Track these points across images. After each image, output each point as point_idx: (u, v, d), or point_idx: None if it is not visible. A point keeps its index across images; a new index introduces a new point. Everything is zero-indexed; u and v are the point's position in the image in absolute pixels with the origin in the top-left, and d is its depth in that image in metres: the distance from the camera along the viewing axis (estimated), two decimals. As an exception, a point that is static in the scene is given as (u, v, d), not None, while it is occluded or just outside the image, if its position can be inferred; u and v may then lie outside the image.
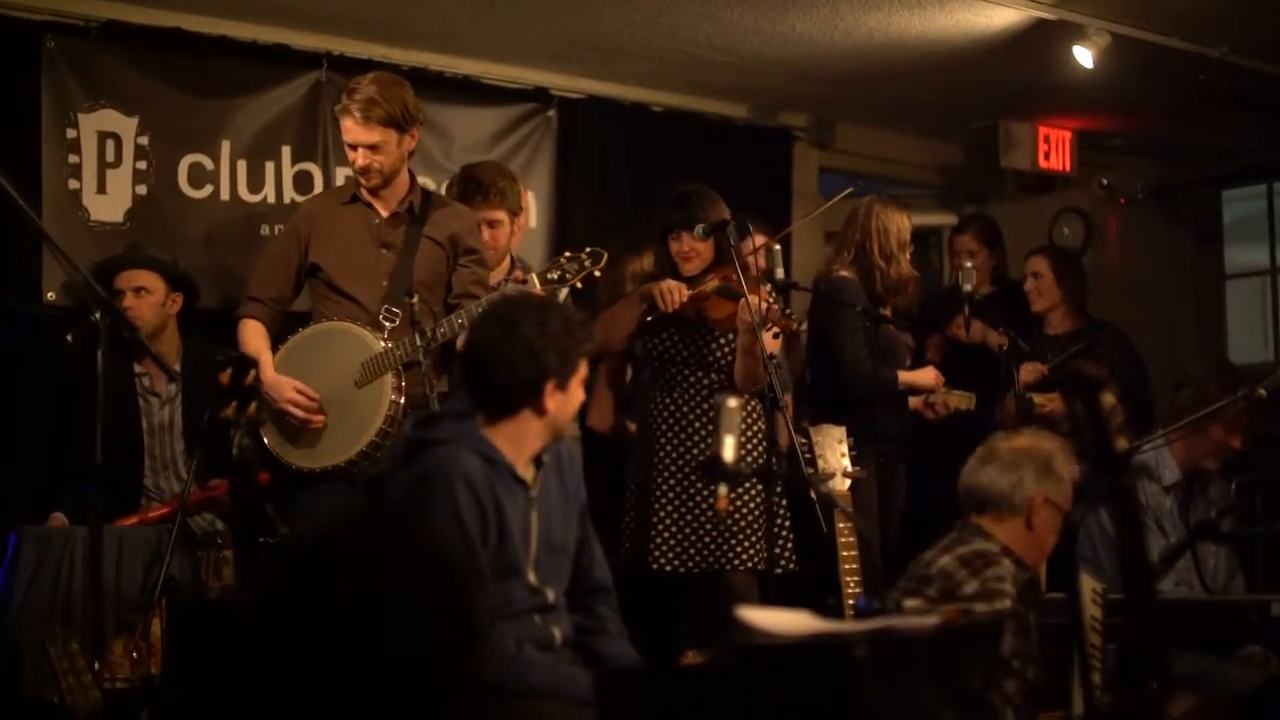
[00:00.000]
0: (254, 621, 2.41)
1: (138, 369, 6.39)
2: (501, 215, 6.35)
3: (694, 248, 6.19)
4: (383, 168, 5.80)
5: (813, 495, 5.77)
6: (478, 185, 6.37)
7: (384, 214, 5.88)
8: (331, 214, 5.95)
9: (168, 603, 5.60)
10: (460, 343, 5.61)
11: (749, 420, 6.06)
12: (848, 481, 5.55)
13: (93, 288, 5.03)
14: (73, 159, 6.99)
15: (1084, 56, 7.93)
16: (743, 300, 5.83)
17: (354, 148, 5.80)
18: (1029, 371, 7.31)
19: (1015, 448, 4.83)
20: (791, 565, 6.11)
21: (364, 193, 5.88)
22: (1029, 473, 4.73)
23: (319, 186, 7.48)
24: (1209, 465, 6.20)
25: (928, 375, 7.12)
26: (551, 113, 8.43)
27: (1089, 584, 4.61)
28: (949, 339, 7.85)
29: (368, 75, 5.94)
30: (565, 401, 4.48)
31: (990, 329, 7.55)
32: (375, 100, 5.72)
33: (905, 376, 6.98)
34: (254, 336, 5.81)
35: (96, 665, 4.70)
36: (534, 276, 5.60)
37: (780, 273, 6.53)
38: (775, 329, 5.90)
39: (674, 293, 6.11)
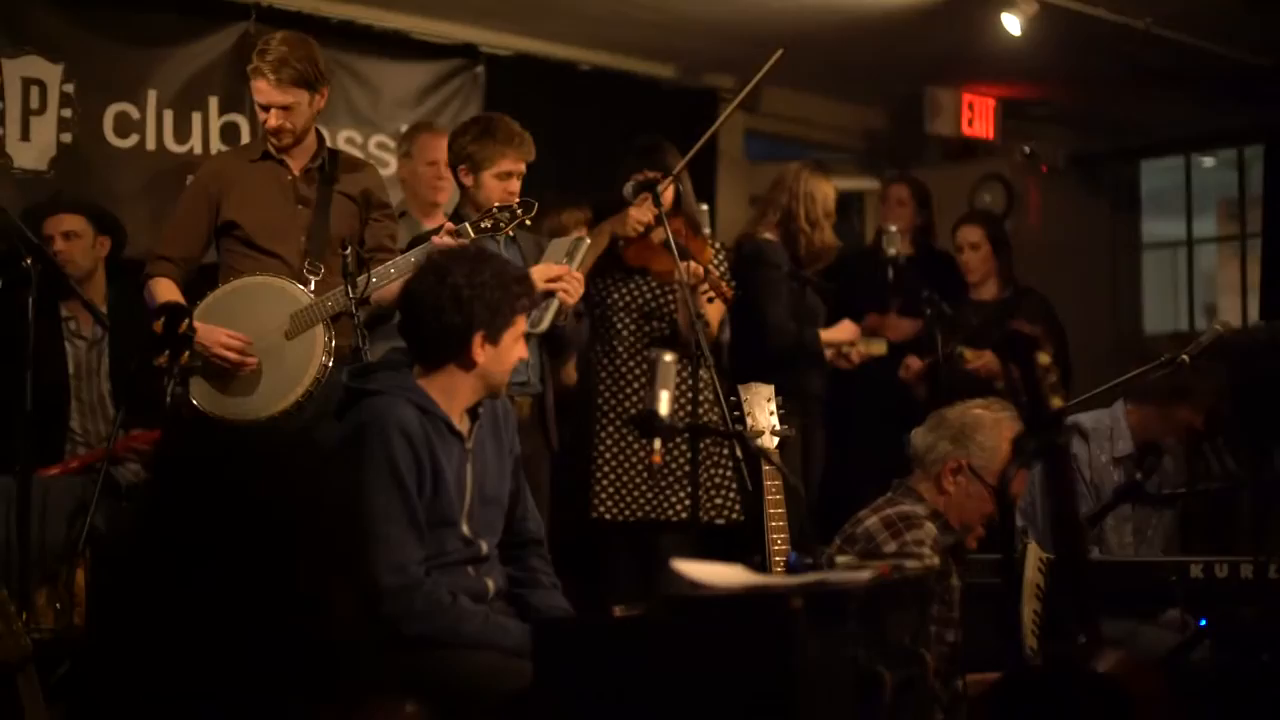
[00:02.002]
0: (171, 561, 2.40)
1: (64, 312, 6.34)
2: (524, 167, 6.31)
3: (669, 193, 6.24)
4: (295, 128, 5.73)
5: (739, 453, 5.81)
6: (509, 136, 6.30)
7: (296, 171, 5.81)
8: (242, 171, 5.85)
9: (92, 553, 5.58)
10: (374, 296, 5.60)
11: (681, 376, 6.09)
12: (775, 440, 5.58)
13: (23, 233, 4.99)
14: (-5, 106, 6.93)
15: (1012, 24, 7.99)
16: (682, 263, 5.87)
17: (266, 109, 5.72)
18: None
19: (946, 412, 4.87)
20: (735, 515, 6.18)
21: (274, 150, 5.83)
22: (945, 436, 4.77)
23: (246, 138, 7.44)
24: (1168, 441, 6.23)
25: (845, 331, 7.20)
26: (479, 69, 8.41)
27: (1035, 552, 4.66)
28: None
29: (276, 35, 5.80)
30: (497, 355, 4.48)
31: (913, 318, 7.68)
32: (287, 61, 5.64)
33: (826, 335, 7.06)
34: (168, 293, 5.68)
35: (24, 615, 4.69)
36: (466, 226, 5.59)
37: (707, 232, 6.57)
38: (710, 293, 5.94)
39: (636, 219, 6.18)
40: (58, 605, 5.46)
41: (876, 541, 4.62)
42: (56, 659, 5.31)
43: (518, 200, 5.68)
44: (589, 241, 6.15)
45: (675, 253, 5.87)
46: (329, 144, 6.00)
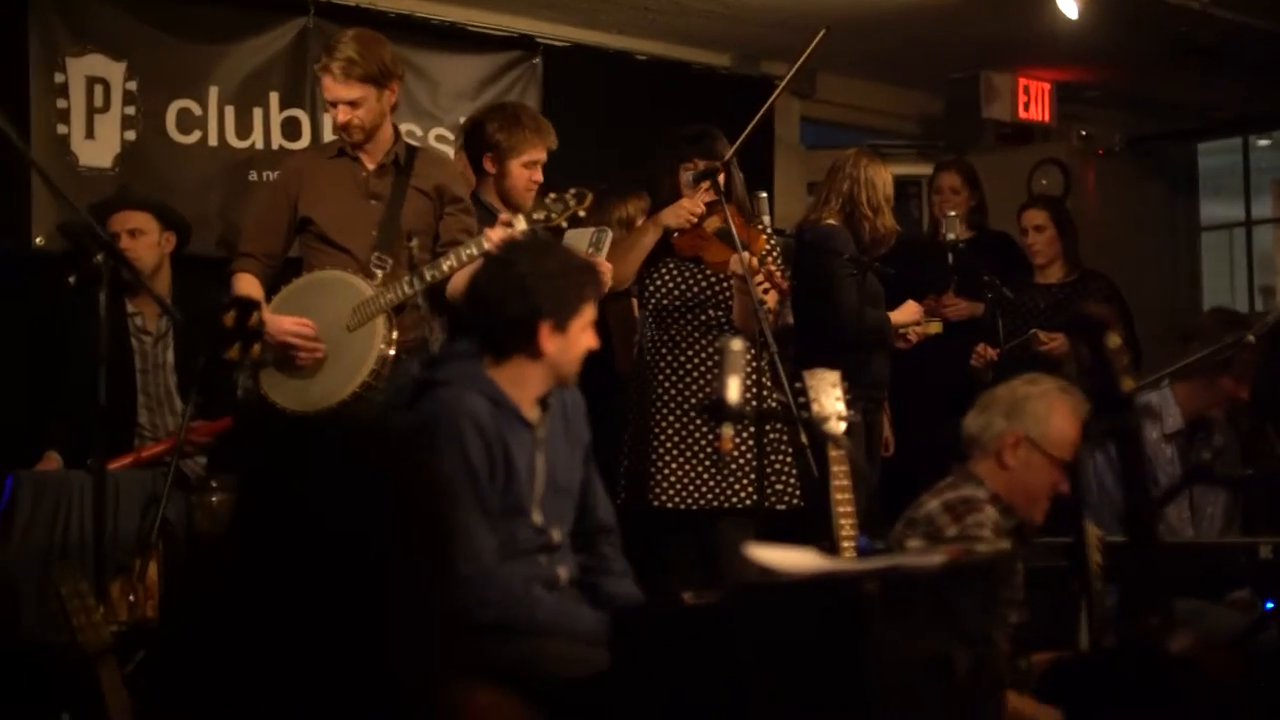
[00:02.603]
0: (249, 553, 2.42)
1: (129, 308, 6.40)
2: (546, 156, 6.41)
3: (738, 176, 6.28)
4: (364, 123, 5.82)
5: (803, 439, 5.83)
6: (536, 125, 6.41)
7: (371, 167, 5.90)
8: (319, 168, 5.97)
9: (164, 545, 5.64)
10: (450, 286, 5.66)
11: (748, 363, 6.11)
12: (843, 425, 5.59)
13: (93, 229, 5.03)
14: (61, 104, 6.98)
15: (1068, 6, 7.97)
16: (735, 256, 5.88)
17: (334, 105, 5.83)
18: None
19: (993, 391, 4.89)
20: (796, 500, 6.19)
21: (349, 147, 5.91)
22: (997, 413, 4.77)
23: (306, 133, 7.52)
24: (1214, 415, 6.25)
25: (911, 312, 7.21)
26: (537, 60, 8.44)
27: (1094, 532, 4.67)
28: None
29: (347, 33, 5.91)
30: (566, 345, 4.50)
31: (972, 301, 7.68)
32: (353, 59, 5.74)
33: (894, 317, 7.08)
34: (249, 287, 5.81)
35: (101, 607, 4.73)
36: (519, 217, 5.63)
37: (766, 219, 6.57)
38: (766, 285, 5.94)
39: (689, 210, 6.21)
40: (131, 597, 5.52)
41: (938, 525, 4.63)
42: (131, 649, 5.38)
43: (573, 191, 5.69)
44: (611, 233, 6.19)
45: (735, 242, 5.88)
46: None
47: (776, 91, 6.38)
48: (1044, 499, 4.77)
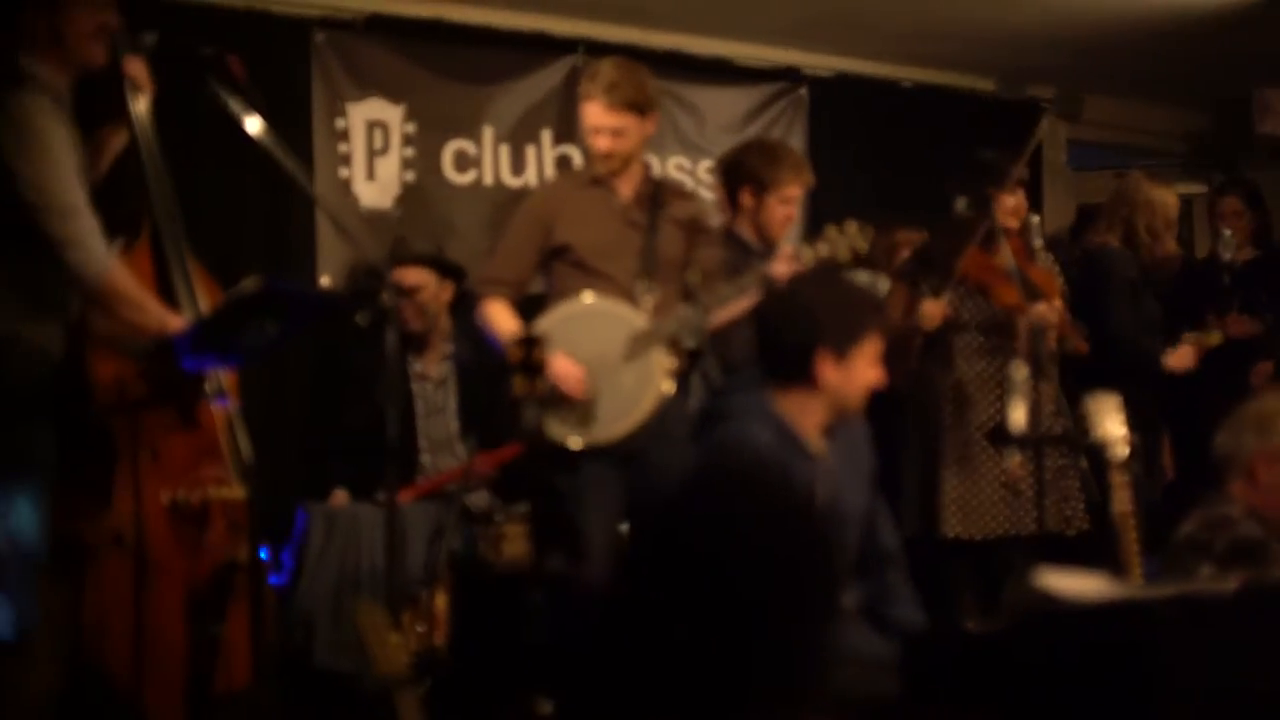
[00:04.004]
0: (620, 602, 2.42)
1: (409, 354, 6.54)
2: (801, 192, 6.46)
3: (1010, 201, 6.25)
4: (624, 151, 5.79)
5: (1084, 463, 5.78)
6: (795, 161, 6.47)
7: (626, 196, 5.91)
8: (574, 196, 5.94)
9: (451, 576, 5.78)
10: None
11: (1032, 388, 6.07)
12: (1125, 449, 5.53)
13: (380, 271, 5.17)
14: (343, 148, 7.21)
15: (1347, 18, 7.80)
16: (1033, 309, 5.87)
17: (597, 132, 5.79)
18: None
19: (1242, 410, 4.83)
20: (1084, 525, 6.14)
21: (603, 176, 5.92)
22: (1248, 433, 4.72)
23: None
24: None
25: (1185, 358, 7.10)
26: (803, 91, 8.50)
27: None
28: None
29: (608, 60, 5.91)
30: (848, 375, 4.48)
31: (1250, 320, 7.53)
32: (618, 85, 5.72)
33: (1170, 362, 6.99)
34: (506, 317, 5.82)
35: (396, 636, 4.85)
36: (805, 249, 5.63)
37: (1038, 243, 6.54)
38: (1057, 338, 5.92)
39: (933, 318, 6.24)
40: (420, 627, 5.65)
41: (1201, 542, 4.56)
42: (419, 679, 5.50)
43: (856, 225, 5.67)
44: (888, 283, 6.20)
45: (1026, 285, 5.85)
46: (659, 170, 6.11)
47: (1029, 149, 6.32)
48: None
